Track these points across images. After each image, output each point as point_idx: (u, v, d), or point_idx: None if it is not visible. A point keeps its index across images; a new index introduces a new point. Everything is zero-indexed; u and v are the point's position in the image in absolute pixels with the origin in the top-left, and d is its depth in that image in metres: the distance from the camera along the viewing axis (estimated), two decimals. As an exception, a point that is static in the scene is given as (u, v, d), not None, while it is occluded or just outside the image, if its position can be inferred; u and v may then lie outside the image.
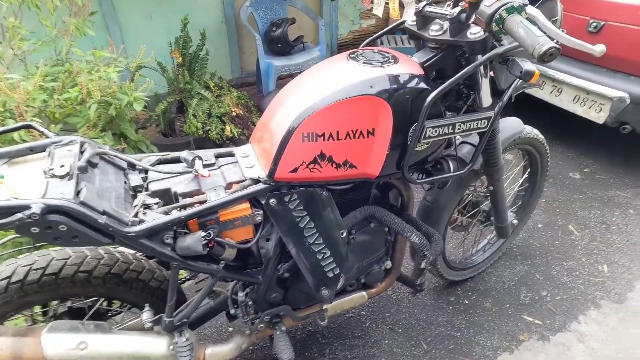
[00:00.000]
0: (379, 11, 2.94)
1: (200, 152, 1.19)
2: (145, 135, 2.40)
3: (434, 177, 1.20)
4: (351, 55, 1.13)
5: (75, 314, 1.22)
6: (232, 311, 1.22)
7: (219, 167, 1.15)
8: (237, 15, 3.27)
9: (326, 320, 1.34)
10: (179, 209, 1.01)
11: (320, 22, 3.38)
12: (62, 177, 0.93)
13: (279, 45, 3.18)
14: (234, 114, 2.68)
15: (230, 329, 1.74)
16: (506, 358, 1.67)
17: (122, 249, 1.23)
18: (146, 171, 1.12)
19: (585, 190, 2.61)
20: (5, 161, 1.00)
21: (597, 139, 3.04)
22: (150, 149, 2.29)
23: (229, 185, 1.08)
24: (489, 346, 1.71)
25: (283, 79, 3.48)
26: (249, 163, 1.11)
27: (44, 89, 1.72)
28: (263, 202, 1.07)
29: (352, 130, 1.03)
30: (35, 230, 0.86)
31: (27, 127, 1.11)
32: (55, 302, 1.21)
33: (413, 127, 1.07)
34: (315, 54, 3.27)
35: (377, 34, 1.34)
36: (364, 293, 1.41)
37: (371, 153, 1.07)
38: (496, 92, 1.18)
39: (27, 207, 0.82)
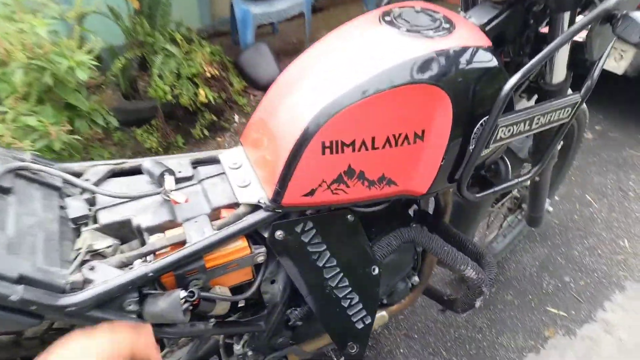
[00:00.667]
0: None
1: (170, 160, 0.84)
2: (101, 102, 1.97)
3: (495, 189, 0.90)
4: (386, 18, 0.77)
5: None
6: (230, 360, 0.93)
7: (199, 181, 0.81)
8: (205, -53, 2.71)
9: (343, 358, 1.09)
10: (143, 257, 0.68)
11: (306, -44, 2.86)
12: None
13: (257, -13, 2.68)
14: (207, 74, 2.25)
15: None
16: (533, 359, 1.51)
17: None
18: (93, 192, 0.77)
19: (599, 152, 2.43)
20: None
21: (607, 93, 2.80)
22: (108, 120, 1.88)
23: (215, 213, 0.76)
24: (514, 348, 1.54)
25: (262, 28, 3.01)
26: (243, 179, 0.77)
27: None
28: (266, 234, 0.75)
29: (394, 135, 0.71)
30: None
31: None
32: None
33: (478, 125, 0.75)
34: (299, -1, 2.79)
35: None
36: (384, 313, 1.15)
37: (418, 164, 0.75)
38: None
39: None
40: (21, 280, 0.58)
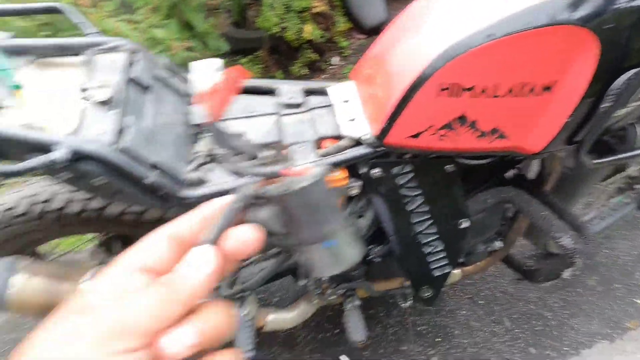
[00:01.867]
0: None
1: (284, 85, 0.88)
2: (215, 26, 2.08)
3: (619, 156, 0.82)
4: None
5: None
6: (300, 282, 1.02)
7: (308, 109, 0.85)
8: None
9: (410, 302, 1.13)
10: (255, 167, 0.75)
11: None
12: (101, 103, 0.68)
13: None
14: (316, 9, 2.23)
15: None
16: (605, 347, 1.42)
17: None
18: (214, 103, 0.85)
19: None
20: (31, 60, 0.75)
21: None
22: (218, 44, 1.99)
23: (319, 141, 0.79)
24: (585, 332, 1.45)
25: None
26: (350, 114, 0.79)
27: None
28: (363, 171, 0.78)
29: (521, 84, 0.66)
30: (67, 176, 0.65)
31: (52, 10, 0.82)
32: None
33: (623, 79, 0.67)
34: None
35: None
36: (458, 271, 1.15)
37: (539, 120, 0.71)
38: None
39: (50, 148, 0.59)
40: (155, 166, 0.67)
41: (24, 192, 0.88)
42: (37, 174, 0.83)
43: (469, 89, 0.67)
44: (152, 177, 0.65)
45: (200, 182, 0.72)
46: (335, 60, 2.61)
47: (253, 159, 0.78)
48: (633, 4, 0.63)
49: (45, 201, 0.87)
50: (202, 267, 0.25)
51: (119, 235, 1.08)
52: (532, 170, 1.02)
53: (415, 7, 0.79)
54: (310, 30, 2.22)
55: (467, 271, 1.18)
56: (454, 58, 0.65)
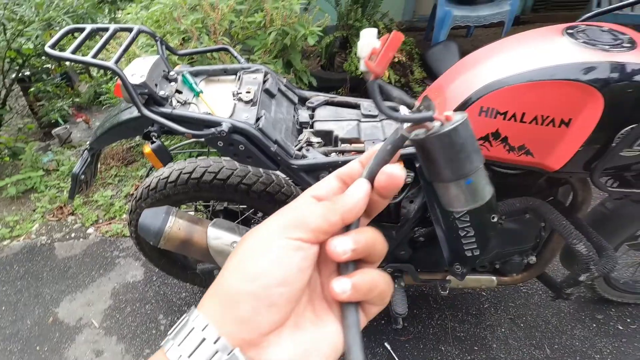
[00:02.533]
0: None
1: (364, 101, 1.21)
2: (308, 66, 2.52)
3: (634, 190, 1.00)
4: (568, 30, 0.95)
5: (229, 215, 1.44)
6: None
7: (381, 120, 1.15)
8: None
9: (447, 291, 1.33)
10: (337, 153, 1.06)
11: (519, -33, 2.93)
12: (247, 102, 1.05)
13: (464, -10, 2.89)
14: (395, 59, 2.61)
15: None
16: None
17: (277, 172, 1.38)
18: (314, 109, 1.19)
19: None
20: (203, 78, 1.16)
21: None
22: (309, 80, 2.41)
23: (387, 141, 1.09)
24: None
25: (456, 30, 3.20)
26: (412, 122, 1.08)
27: (235, 11, 1.89)
28: (417, 164, 1.05)
29: (542, 116, 0.90)
30: (220, 144, 1.00)
31: (224, 49, 1.24)
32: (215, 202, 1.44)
33: (627, 129, 0.89)
34: (504, 8, 2.88)
35: (610, 7, 1.07)
36: (494, 278, 1.34)
37: (558, 145, 0.93)
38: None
39: (219, 124, 0.96)
40: (276, 142, 1.01)
41: (175, 167, 1.27)
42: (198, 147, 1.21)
43: (502, 113, 0.92)
44: (274, 148, 0.99)
45: (302, 157, 1.04)
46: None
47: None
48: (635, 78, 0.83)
49: (189, 172, 1.25)
50: (357, 192, 0.31)
51: (226, 209, 1.44)
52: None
53: (477, 53, 1.08)
54: (388, 75, 2.58)
55: (502, 280, 1.35)
56: (493, 91, 0.92)
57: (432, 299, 1.72)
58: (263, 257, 0.29)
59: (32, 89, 3.65)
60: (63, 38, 1.01)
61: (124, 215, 2.36)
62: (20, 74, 3.25)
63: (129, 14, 2.22)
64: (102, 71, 4.28)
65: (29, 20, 2.57)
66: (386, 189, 0.32)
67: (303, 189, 1.34)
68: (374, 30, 0.32)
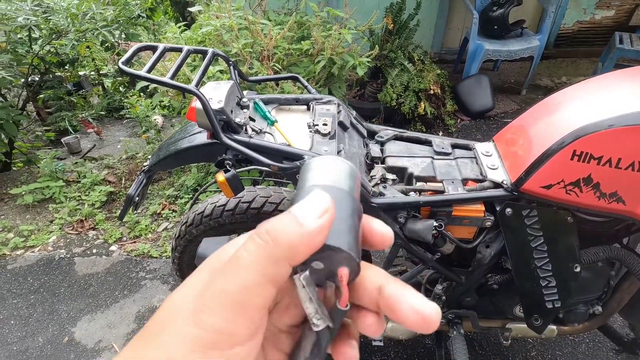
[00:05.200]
0: None
1: (436, 138, 1.17)
2: (345, 95, 2.51)
3: None
4: None
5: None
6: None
7: (455, 158, 1.12)
8: (457, -13, 3.08)
9: (509, 341, 1.26)
10: (417, 192, 1.02)
11: (551, 6, 2.97)
12: (324, 135, 1.01)
13: (496, 27, 2.92)
14: (431, 91, 2.60)
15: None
16: None
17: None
18: (382, 144, 1.16)
19: None
20: (274, 106, 1.13)
21: None
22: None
23: (465, 181, 1.05)
24: None
25: (484, 63, 3.23)
26: (492, 163, 1.05)
27: (285, 37, 1.89)
28: (498, 208, 1.01)
29: None
30: (294, 175, 0.96)
31: (293, 78, 1.22)
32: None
33: None
34: (533, 43, 2.92)
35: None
36: (554, 328, 1.27)
37: (653, 193, 0.90)
38: None
39: (301, 157, 0.91)
40: (354, 176, 0.96)
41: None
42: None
43: (597, 158, 0.89)
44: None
45: (379, 194, 1.00)
46: (439, 134, 2.92)
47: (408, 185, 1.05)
48: None
49: (248, 202, 1.20)
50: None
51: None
52: None
53: (551, 99, 1.05)
54: (424, 107, 2.57)
55: (563, 330, 1.29)
56: (588, 134, 0.88)
57: (477, 344, 1.65)
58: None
59: (41, 95, 3.64)
60: (135, 55, 0.98)
61: (150, 235, 2.29)
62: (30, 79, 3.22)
63: (167, 33, 2.22)
64: (112, 84, 4.32)
65: (65, 29, 2.57)
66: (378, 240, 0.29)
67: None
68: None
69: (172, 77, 0.91)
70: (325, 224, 0.24)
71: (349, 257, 0.25)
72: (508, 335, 1.27)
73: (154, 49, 0.97)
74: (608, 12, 3.49)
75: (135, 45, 0.97)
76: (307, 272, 0.25)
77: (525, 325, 1.25)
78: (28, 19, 2.31)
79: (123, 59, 0.90)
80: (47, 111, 4.02)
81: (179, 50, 1.01)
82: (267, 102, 1.12)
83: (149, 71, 0.90)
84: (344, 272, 0.25)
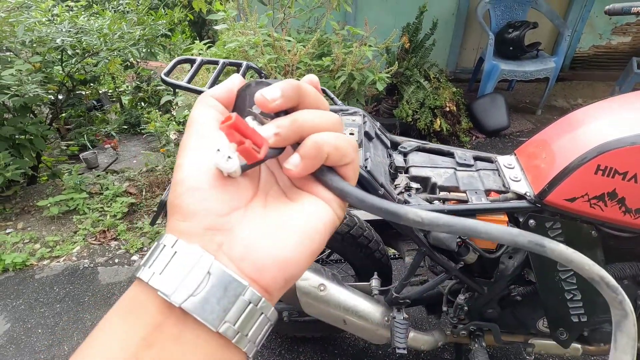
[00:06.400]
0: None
1: (458, 150, 1.20)
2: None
3: None
4: None
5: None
6: (444, 308, 1.23)
7: (477, 170, 1.14)
8: (472, 9, 3.15)
9: (533, 357, 1.25)
10: (441, 201, 1.04)
11: (567, 30, 3.01)
12: None
13: (511, 48, 2.96)
14: (447, 108, 2.64)
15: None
16: None
17: (356, 213, 1.36)
18: (405, 154, 1.19)
19: None
20: None
21: None
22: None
23: (487, 192, 1.07)
24: None
25: (499, 83, 3.27)
26: (515, 176, 1.07)
27: (308, 53, 1.95)
28: (521, 219, 1.02)
29: (665, 179, 0.89)
30: None
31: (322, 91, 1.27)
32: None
33: None
34: (549, 64, 2.96)
35: None
36: (579, 346, 1.26)
37: (679, 209, 0.91)
38: None
39: None
40: (382, 185, 0.99)
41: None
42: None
43: (621, 174, 0.90)
44: (381, 191, 0.98)
45: (404, 202, 1.02)
46: (454, 153, 2.94)
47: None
48: None
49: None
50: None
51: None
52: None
53: (574, 115, 1.07)
54: (439, 123, 2.60)
55: (588, 350, 1.27)
56: (613, 149, 0.90)
57: (497, 360, 1.63)
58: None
59: (63, 114, 3.77)
60: (175, 67, 1.03)
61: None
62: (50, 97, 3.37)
63: (193, 50, 2.31)
64: (130, 101, 4.46)
65: (96, 49, 2.69)
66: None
67: (386, 239, 1.33)
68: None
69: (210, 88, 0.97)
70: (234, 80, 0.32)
71: (262, 83, 0.30)
72: (531, 351, 1.26)
73: (192, 61, 1.03)
74: (624, 38, 3.51)
75: (175, 59, 1.03)
76: (250, 117, 0.29)
77: (549, 342, 1.25)
78: (64, 40, 2.43)
79: (165, 70, 0.96)
80: (67, 128, 4.17)
81: (215, 63, 1.07)
82: None
83: (189, 81, 0.96)
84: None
